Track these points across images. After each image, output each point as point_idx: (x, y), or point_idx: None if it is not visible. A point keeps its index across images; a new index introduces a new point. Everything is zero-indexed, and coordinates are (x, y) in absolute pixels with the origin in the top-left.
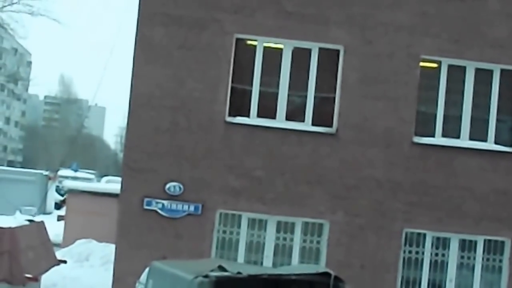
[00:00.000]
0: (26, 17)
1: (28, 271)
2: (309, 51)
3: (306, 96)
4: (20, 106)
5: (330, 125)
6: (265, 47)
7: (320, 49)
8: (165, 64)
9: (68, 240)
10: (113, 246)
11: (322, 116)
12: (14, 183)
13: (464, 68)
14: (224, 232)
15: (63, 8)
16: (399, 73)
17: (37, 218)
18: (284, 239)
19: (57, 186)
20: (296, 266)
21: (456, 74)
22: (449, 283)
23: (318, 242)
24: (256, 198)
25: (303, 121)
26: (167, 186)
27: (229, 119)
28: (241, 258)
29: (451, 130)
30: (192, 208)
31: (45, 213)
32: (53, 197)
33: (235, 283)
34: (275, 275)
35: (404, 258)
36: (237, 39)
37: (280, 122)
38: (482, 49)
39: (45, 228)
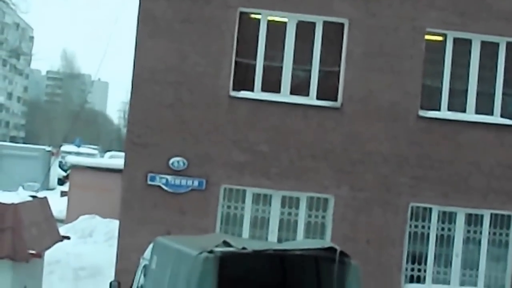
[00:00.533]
0: None
1: (31, 247)
2: (313, 25)
3: (310, 70)
4: (22, 81)
5: (335, 99)
6: (269, 21)
7: (325, 22)
8: (168, 38)
9: (71, 216)
10: (116, 222)
11: (327, 90)
12: (17, 159)
13: (470, 41)
14: (229, 207)
15: None
16: (404, 47)
17: (40, 194)
18: (289, 214)
19: (60, 162)
20: (301, 241)
21: (462, 47)
22: (455, 257)
23: (323, 217)
24: (260, 173)
25: (308, 95)
26: (171, 161)
27: (233, 93)
28: (245, 233)
29: (457, 103)
30: (196, 183)
31: (48, 189)
32: (56, 172)
33: (240, 258)
34: (280, 250)
35: (410, 233)
36: (241, 13)
37: (284, 96)
38: (488, 22)
39: (48, 204)
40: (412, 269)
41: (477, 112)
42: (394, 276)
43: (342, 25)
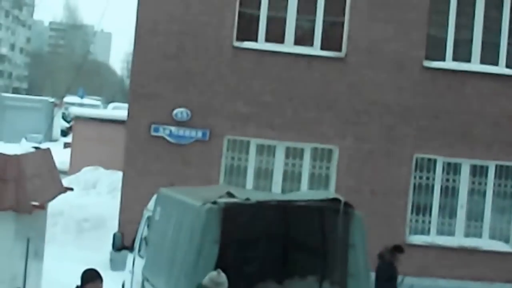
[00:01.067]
0: None
1: (34, 199)
2: None
3: (314, 20)
4: (25, 32)
5: (339, 50)
6: None
7: None
8: None
9: (74, 167)
10: (120, 173)
11: (331, 41)
12: (20, 110)
13: None
14: (232, 158)
15: None
16: None
17: (43, 146)
18: (293, 165)
19: (63, 113)
20: (305, 192)
21: None
22: (460, 209)
23: (327, 168)
24: (264, 124)
25: (312, 45)
26: (175, 112)
27: (237, 44)
28: (249, 184)
29: (462, 54)
30: (199, 134)
31: (51, 140)
32: (59, 124)
33: (243, 209)
34: (284, 201)
35: (414, 184)
36: None
37: (288, 46)
38: None
39: (52, 156)
40: (417, 220)
41: (482, 62)
42: (399, 227)
43: None
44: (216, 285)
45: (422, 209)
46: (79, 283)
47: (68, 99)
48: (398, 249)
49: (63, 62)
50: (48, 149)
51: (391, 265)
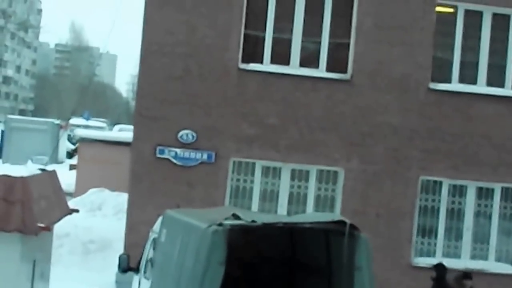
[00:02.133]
0: None
1: (40, 220)
2: None
3: (320, 42)
4: (31, 54)
5: (345, 71)
6: None
7: None
8: (176, 10)
9: (80, 189)
10: (126, 195)
11: (337, 62)
12: (26, 132)
13: (481, 13)
14: (238, 180)
15: None
16: (415, 18)
17: (49, 167)
18: (299, 187)
19: (69, 135)
20: (311, 214)
21: (473, 19)
22: (466, 231)
23: (333, 190)
24: (270, 146)
25: (317, 67)
26: (180, 134)
27: (242, 66)
28: (255, 206)
29: (468, 76)
30: (205, 156)
31: (57, 162)
32: (65, 146)
33: (249, 231)
34: (289, 223)
35: (420, 206)
36: None
37: (294, 68)
38: None
39: (57, 177)
40: (422, 243)
41: (488, 84)
42: (405, 249)
43: None
44: None
45: (428, 231)
46: None
47: (74, 121)
48: (466, 276)
49: (69, 84)
50: (54, 171)
51: None
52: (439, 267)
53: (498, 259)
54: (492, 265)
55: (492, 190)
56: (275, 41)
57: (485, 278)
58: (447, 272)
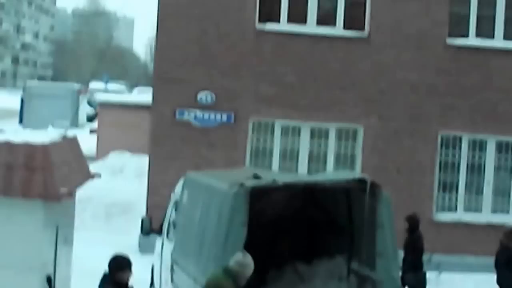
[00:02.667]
0: None
1: (62, 186)
2: None
3: (336, 0)
4: (48, 20)
5: (362, 29)
6: None
7: None
8: None
9: (101, 153)
10: (146, 158)
11: (354, 20)
12: (46, 98)
13: None
14: (258, 140)
15: None
16: None
17: (70, 132)
18: (319, 145)
19: (89, 99)
20: (331, 173)
21: None
22: (486, 185)
23: (352, 148)
24: (289, 105)
25: (334, 25)
26: (199, 96)
27: (259, 26)
28: (275, 166)
29: (485, 30)
30: (224, 117)
31: (77, 126)
32: (85, 110)
33: (270, 191)
34: (310, 182)
35: (440, 162)
36: None
37: (311, 27)
38: None
39: (78, 142)
40: (443, 198)
41: (506, 38)
42: (426, 205)
43: None
44: (242, 267)
45: (449, 187)
46: (107, 269)
47: (93, 85)
48: None
49: (87, 48)
50: (75, 136)
51: (507, 248)
52: (411, 218)
53: None
54: None
55: None
56: (291, 0)
57: None
58: (420, 223)
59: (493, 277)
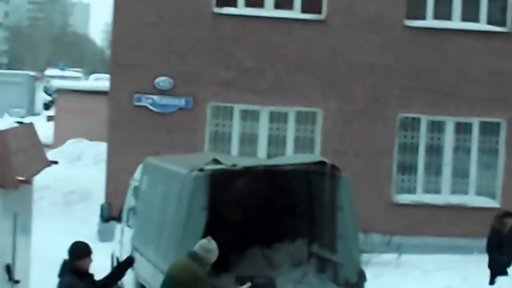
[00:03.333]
0: None
1: (20, 174)
2: None
3: None
4: (3, 6)
5: (320, 12)
6: None
7: None
8: None
9: (58, 140)
10: (104, 145)
11: (311, 3)
12: (1, 86)
13: None
14: (217, 125)
15: None
16: None
17: (26, 120)
18: (278, 129)
19: (45, 86)
20: (291, 157)
21: None
22: (445, 167)
23: (312, 131)
24: (247, 89)
25: (292, 8)
26: (157, 81)
27: (217, 9)
28: (234, 150)
29: (443, 12)
30: (183, 102)
31: (34, 114)
32: (42, 97)
33: (230, 175)
34: (270, 166)
35: (399, 144)
36: None
37: (268, 10)
38: None
39: (35, 130)
40: (403, 180)
41: (463, 19)
42: (385, 187)
43: None
44: (207, 252)
45: (408, 168)
46: (66, 257)
47: (49, 72)
48: (505, 215)
49: (43, 35)
50: (32, 123)
51: (498, 232)
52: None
53: (478, 193)
54: (472, 199)
55: (470, 124)
56: None
57: (465, 212)
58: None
59: (453, 257)
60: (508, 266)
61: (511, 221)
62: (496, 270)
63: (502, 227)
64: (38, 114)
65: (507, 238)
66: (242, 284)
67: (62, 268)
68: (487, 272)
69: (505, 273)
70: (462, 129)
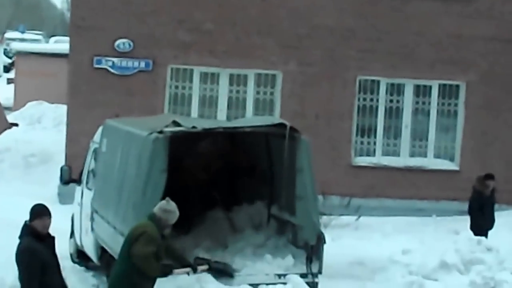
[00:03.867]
0: None
1: None
2: None
3: None
4: None
5: None
6: None
7: None
8: None
9: (19, 103)
10: (64, 107)
11: None
12: None
13: None
14: (176, 87)
15: None
16: None
17: None
18: (237, 91)
19: (5, 49)
20: (250, 119)
21: None
22: (404, 129)
23: (271, 94)
24: (207, 52)
25: None
26: (116, 43)
27: None
28: (194, 113)
29: None
30: (142, 64)
31: None
32: (1, 60)
33: (190, 137)
34: (230, 128)
35: (358, 106)
36: None
37: None
38: None
39: None
40: (362, 142)
41: None
42: (344, 149)
43: None
44: (166, 213)
45: (367, 131)
46: (28, 218)
47: (9, 34)
48: (487, 177)
49: None
50: None
51: (480, 194)
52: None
53: (437, 156)
54: (431, 162)
55: (430, 87)
56: None
57: (424, 174)
58: None
59: (411, 219)
60: (490, 228)
61: (493, 183)
62: (477, 232)
63: (484, 189)
64: None
65: (489, 200)
66: (196, 268)
67: (22, 230)
68: (445, 234)
69: (485, 235)
70: (422, 91)
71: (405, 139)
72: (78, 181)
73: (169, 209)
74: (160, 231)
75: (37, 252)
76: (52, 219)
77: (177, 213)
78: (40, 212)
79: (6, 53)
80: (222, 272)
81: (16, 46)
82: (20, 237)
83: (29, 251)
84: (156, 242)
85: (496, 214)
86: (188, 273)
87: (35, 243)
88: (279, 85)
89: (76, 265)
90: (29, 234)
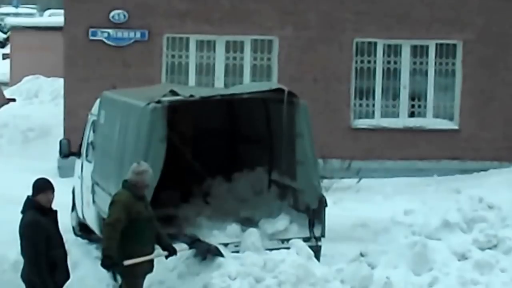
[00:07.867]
0: None
1: None
2: None
3: None
4: None
5: None
6: None
7: None
8: None
9: (15, 78)
10: (61, 80)
11: None
12: None
13: None
14: (173, 56)
15: None
16: None
17: None
18: (234, 58)
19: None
20: (248, 85)
21: None
22: (403, 89)
23: (268, 59)
24: (202, 19)
25: None
26: (112, 14)
27: None
28: (192, 81)
29: None
30: (138, 34)
31: None
32: None
33: (188, 106)
34: (228, 95)
35: (356, 69)
36: None
37: None
38: None
39: None
40: (361, 105)
41: None
42: (343, 112)
43: None
44: (138, 175)
45: (365, 93)
46: (30, 193)
47: (3, 9)
48: None
49: None
50: None
51: None
52: None
53: (436, 116)
54: (430, 122)
55: (427, 47)
56: None
57: (424, 135)
58: None
59: (412, 180)
60: None
61: None
62: None
63: None
64: None
65: None
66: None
67: (25, 204)
68: (446, 194)
69: None
70: (419, 52)
71: (404, 100)
72: (78, 154)
73: (141, 170)
74: (139, 194)
75: (41, 225)
76: (54, 193)
77: (151, 171)
78: (43, 186)
79: (0, 29)
80: (207, 252)
81: (10, 21)
82: (22, 212)
83: (34, 224)
84: (127, 208)
85: (496, 171)
86: (166, 257)
87: (39, 217)
88: (275, 50)
89: (79, 238)
90: (32, 208)
